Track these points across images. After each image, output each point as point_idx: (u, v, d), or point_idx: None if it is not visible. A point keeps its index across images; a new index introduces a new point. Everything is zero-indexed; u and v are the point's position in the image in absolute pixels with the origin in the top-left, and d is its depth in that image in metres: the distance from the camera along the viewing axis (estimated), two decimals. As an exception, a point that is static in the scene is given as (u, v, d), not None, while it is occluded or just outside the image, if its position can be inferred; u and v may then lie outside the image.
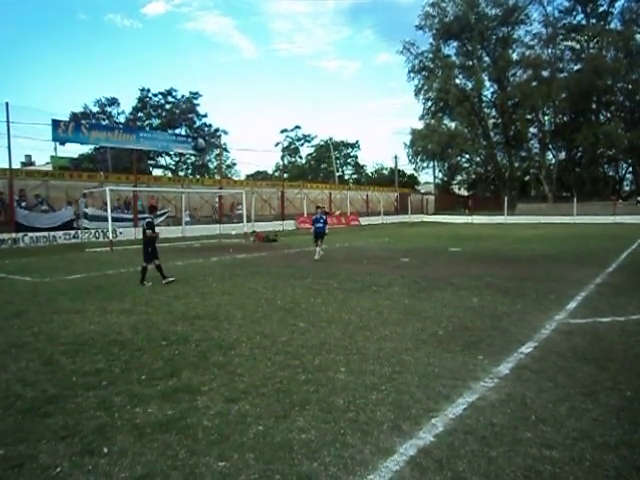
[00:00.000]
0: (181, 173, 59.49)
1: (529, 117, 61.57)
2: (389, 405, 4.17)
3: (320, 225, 16.24)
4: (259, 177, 64.77)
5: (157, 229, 11.42)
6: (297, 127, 78.07)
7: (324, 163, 76.21)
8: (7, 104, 23.12)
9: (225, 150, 59.32)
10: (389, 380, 4.75)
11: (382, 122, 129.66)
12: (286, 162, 76.25)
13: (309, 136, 78.52)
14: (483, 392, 4.43)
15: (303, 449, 3.44)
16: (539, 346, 5.84)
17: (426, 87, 64.04)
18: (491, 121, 67.15)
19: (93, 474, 3.15)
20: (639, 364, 5.15)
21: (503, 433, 3.64)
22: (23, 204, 24.44)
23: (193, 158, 58.31)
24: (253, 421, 3.89)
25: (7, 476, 3.14)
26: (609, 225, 33.81)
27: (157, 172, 57.77)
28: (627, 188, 64.08)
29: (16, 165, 28.25)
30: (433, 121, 64.84)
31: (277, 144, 71.86)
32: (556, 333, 6.42)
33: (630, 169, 62.41)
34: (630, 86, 55.34)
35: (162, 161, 60.35)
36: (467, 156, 67.81)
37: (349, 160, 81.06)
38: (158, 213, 30.37)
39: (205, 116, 61.47)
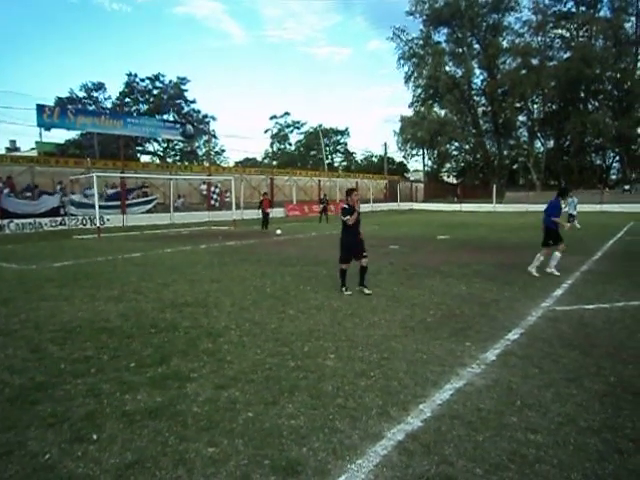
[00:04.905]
0: (169, 160, 59.01)
1: (518, 105, 61.81)
2: (377, 391, 4.21)
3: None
4: (248, 164, 64.43)
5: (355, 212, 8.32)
6: (286, 113, 77.76)
7: (313, 150, 75.99)
8: (-10, 88, 22.70)
9: (214, 136, 58.96)
10: (378, 366, 4.79)
11: (372, 109, 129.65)
12: (275, 149, 75.94)
13: (299, 123, 78.25)
14: (470, 378, 4.49)
15: (292, 435, 3.47)
16: (525, 333, 5.91)
17: (416, 74, 64.07)
18: (480, 109, 67.40)
19: (83, 461, 3.15)
20: (623, 350, 5.24)
21: (489, 418, 3.70)
22: (6, 190, 24.07)
23: (181, 144, 57.84)
24: (242, 407, 3.91)
25: (-4, 463, 3.13)
26: (596, 213, 34.12)
27: (145, 158, 57.35)
28: (614, 177, 64.71)
29: (0, 151, 27.79)
30: (423, 108, 64.94)
31: (266, 131, 71.74)
32: (542, 320, 6.51)
33: (617, 158, 62.99)
34: (618, 75, 55.70)
35: (150, 147, 59.83)
36: (456, 144, 68.07)
37: (339, 147, 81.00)
38: (145, 199, 30.21)
39: (193, 102, 61.05)
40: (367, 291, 8.24)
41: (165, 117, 53.84)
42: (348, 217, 8.33)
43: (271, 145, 67.79)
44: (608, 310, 7.03)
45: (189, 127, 36.08)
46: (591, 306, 7.23)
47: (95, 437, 3.45)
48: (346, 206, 8.52)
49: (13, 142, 50.13)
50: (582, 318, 6.58)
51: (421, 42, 63.90)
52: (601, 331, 5.98)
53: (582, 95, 59.74)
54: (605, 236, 17.92)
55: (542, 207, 10.39)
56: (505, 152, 66.42)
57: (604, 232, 19.73)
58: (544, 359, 4.96)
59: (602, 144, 59.53)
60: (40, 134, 40.23)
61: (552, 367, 4.75)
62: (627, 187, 50.64)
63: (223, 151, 68.43)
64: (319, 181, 44.56)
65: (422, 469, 3.04)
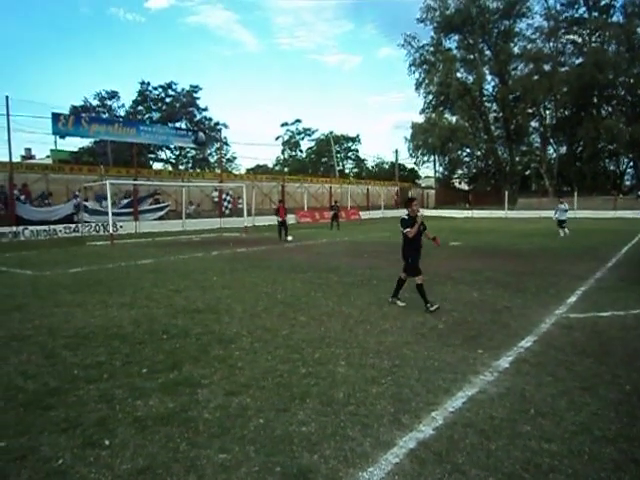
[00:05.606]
0: (181, 167, 59.41)
1: (530, 111, 61.34)
2: (389, 398, 4.19)
3: None
4: (259, 171, 64.64)
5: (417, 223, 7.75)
6: (298, 121, 77.83)
7: (325, 157, 75.99)
8: (7, 97, 23.08)
9: (225, 144, 59.20)
10: (389, 373, 4.76)
11: (383, 116, 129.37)
12: (286, 156, 76.15)
13: (310, 130, 78.30)
14: (483, 386, 4.45)
15: (303, 442, 3.46)
16: (539, 340, 5.85)
17: (427, 81, 63.81)
18: (492, 115, 66.95)
19: (95, 466, 3.17)
20: (638, 358, 5.16)
21: (502, 426, 3.66)
22: (22, 197, 24.40)
23: (193, 152, 58.24)
24: (254, 414, 3.91)
25: (10, 468, 3.16)
26: (610, 220, 33.79)
27: (157, 166, 57.77)
28: (628, 183, 63.93)
29: (16, 158, 28.19)
30: (434, 115, 64.68)
31: (277, 138, 71.75)
32: (556, 327, 6.44)
33: (631, 164, 62.24)
34: (632, 80, 55.04)
35: (162, 155, 60.28)
36: (468, 150, 67.69)
37: (350, 154, 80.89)
38: (157, 206, 30.43)
39: (205, 110, 61.32)
40: (401, 303, 7.89)
41: (177, 125, 54.22)
42: (408, 229, 7.64)
43: (282, 152, 68.04)
44: (623, 317, 6.94)
45: (201, 135, 36.39)
46: (605, 313, 7.14)
47: (107, 442, 3.47)
48: (406, 217, 7.77)
49: (28, 150, 50.83)
50: (596, 325, 6.50)
51: (432, 49, 63.77)
52: (616, 339, 5.90)
53: (595, 101, 59.11)
54: (619, 243, 17.71)
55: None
56: (517, 158, 65.90)
57: (618, 239, 19.50)
58: (558, 367, 4.90)
59: (616, 150, 58.80)
60: (55, 142, 40.82)
61: (566, 375, 4.69)
62: (641, 193, 50.03)
63: (235, 158, 68.72)
64: (330, 188, 44.63)
65: (434, 477, 3.02)
